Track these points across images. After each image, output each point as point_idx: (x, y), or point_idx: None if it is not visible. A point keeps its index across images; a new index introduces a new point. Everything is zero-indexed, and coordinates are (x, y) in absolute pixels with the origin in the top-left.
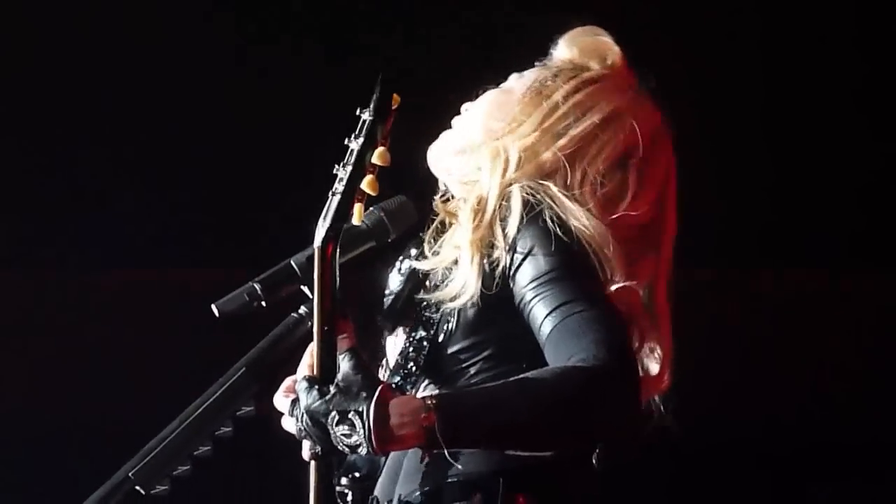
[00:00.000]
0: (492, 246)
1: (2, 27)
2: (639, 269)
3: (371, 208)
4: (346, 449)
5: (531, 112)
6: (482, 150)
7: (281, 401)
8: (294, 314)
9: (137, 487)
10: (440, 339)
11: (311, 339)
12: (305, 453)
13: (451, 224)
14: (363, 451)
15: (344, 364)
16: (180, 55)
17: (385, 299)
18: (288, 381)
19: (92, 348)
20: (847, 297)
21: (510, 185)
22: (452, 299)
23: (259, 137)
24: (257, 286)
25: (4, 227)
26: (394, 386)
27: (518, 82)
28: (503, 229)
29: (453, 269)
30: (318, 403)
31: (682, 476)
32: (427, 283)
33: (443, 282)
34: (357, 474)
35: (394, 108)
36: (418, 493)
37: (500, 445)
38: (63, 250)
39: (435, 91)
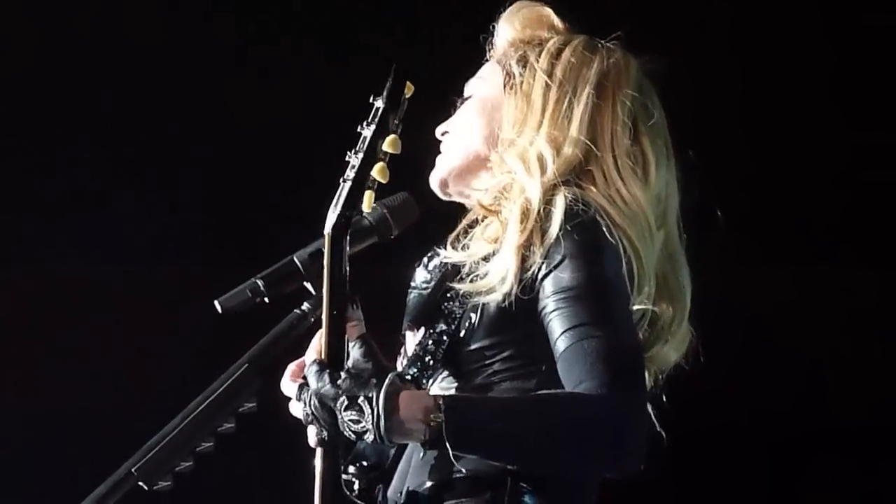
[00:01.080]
0: (529, 248)
1: (2, 27)
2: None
3: (374, 204)
4: (353, 435)
5: (525, 106)
6: (505, 156)
7: (288, 385)
8: (297, 310)
9: (140, 483)
10: (461, 334)
11: (317, 331)
12: (311, 439)
13: (481, 220)
14: (369, 437)
15: (354, 351)
16: (180, 55)
17: (410, 294)
18: (293, 366)
19: (94, 345)
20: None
21: (552, 185)
22: (487, 292)
23: (259, 137)
24: (260, 282)
25: (6, 225)
26: (409, 377)
27: (485, 84)
28: (542, 234)
29: (482, 264)
30: (328, 387)
31: (679, 462)
32: (458, 276)
33: (474, 275)
34: (365, 463)
35: (407, 96)
36: (427, 486)
37: (498, 458)
38: (63, 247)
39: (436, 91)
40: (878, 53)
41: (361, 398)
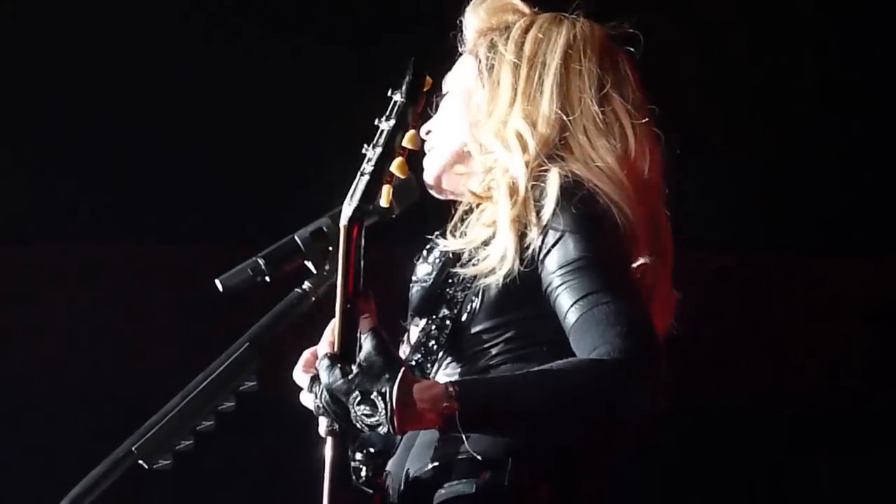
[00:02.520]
0: (525, 226)
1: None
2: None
3: None
4: (366, 428)
5: (497, 88)
6: (481, 137)
7: (300, 376)
8: (298, 289)
9: (140, 462)
10: (463, 318)
11: (318, 315)
12: (322, 429)
13: (476, 207)
14: (382, 430)
15: (366, 344)
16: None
17: (413, 288)
18: (307, 355)
19: (93, 324)
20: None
21: (538, 160)
22: (489, 273)
23: (270, 121)
24: (261, 261)
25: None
26: (414, 364)
27: (460, 77)
28: (537, 211)
29: (482, 249)
30: (339, 382)
31: (687, 445)
32: (459, 263)
33: (475, 259)
34: (372, 450)
35: (425, 90)
36: (428, 467)
37: (517, 435)
38: (63, 226)
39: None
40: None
41: (374, 393)
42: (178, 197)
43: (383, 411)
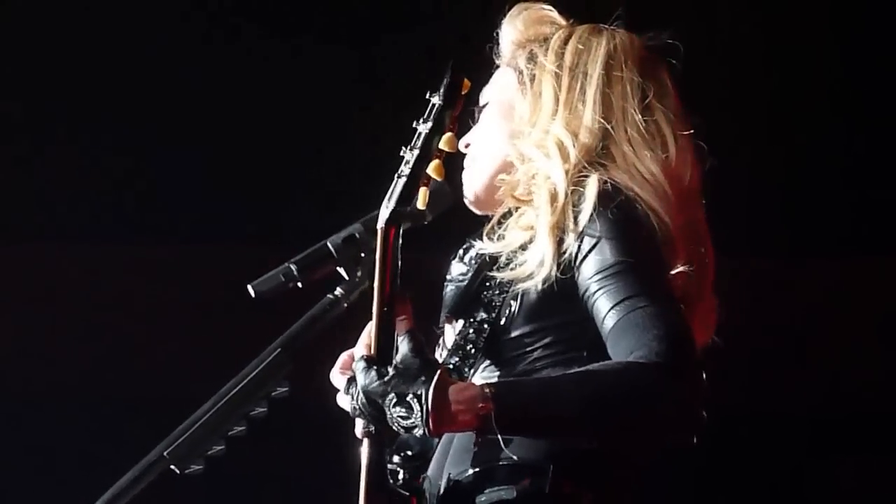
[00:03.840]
0: (563, 231)
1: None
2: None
3: None
4: (402, 430)
5: (538, 99)
6: (523, 147)
7: (337, 378)
8: (330, 295)
9: (172, 467)
10: (502, 322)
11: (350, 321)
12: (358, 431)
13: (515, 212)
14: (418, 432)
15: (402, 346)
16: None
17: (447, 287)
18: (344, 357)
19: (126, 329)
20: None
21: (578, 168)
22: (527, 278)
23: (267, 119)
24: (293, 267)
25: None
26: (451, 367)
27: (499, 88)
28: (575, 217)
29: (519, 253)
30: (375, 384)
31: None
32: (496, 266)
33: (513, 263)
34: (409, 452)
35: (463, 93)
36: (468, 473)
37: (554, 436)
38: (91, 228)
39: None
40: None
41: (410, 395)
42: (178, 197)
43: (419, 413)
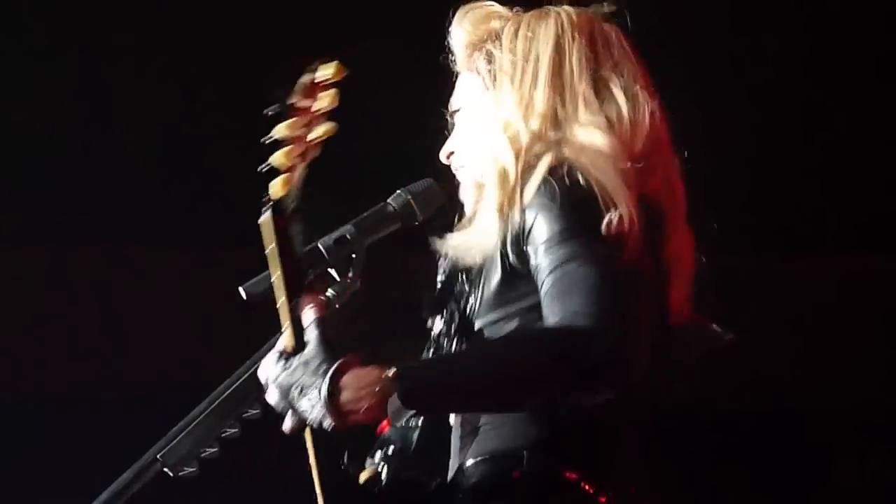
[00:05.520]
0: (511, 207)
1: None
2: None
3: (398, 191)
4: (315, 422)
5: (500, 97)
6: (489, 132)
7: (261, 372)
8: (321, 297)
9: (165, 469)
10: (467, 312)
11: (342, 323)
12: (286, 426)
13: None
14: (327, 424)
15: (309, 336)
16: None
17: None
18: (279, 344)
19: (119, 330)
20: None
21: (533, 151)
22: (471, 250)
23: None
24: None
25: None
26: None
27: (468, 96)
28: (522, 192)
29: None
30: (283, 376)
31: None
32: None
33: (462, 245)
34: (391, 449)
35: (325, 77)
36: (459, 467)
37: (463, 409)
38: (84, 230)
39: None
40: None
41: (311, 386)
42: (178, 197)
43: (319, 404)
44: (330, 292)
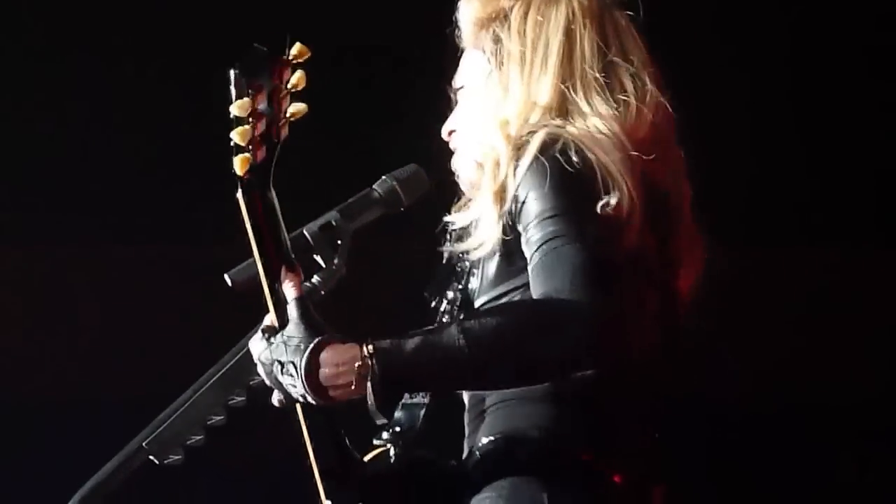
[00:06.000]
0: (506, 191)
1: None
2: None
3: (383, 177)
4: (299, 398)
5: (508, 82)
6: (488, 124)
7: (251, 346)
8: (307, 283)
9: (151, 457)
10: (468, 292)
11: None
12: (274, 399)
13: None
14: (311, 399)
15: (291, 314)
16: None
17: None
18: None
19: (103, 321)
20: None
21: (528, 128)
22: (478, 248)
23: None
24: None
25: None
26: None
27: (473, 75)
28: (515, 170)
29: (475, 224)
30: (265, 353)
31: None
32: (461, 238)
33: (466, 235)
34: (398, 428)
35: (290, 59)
36: (472, 447)
37: (445, 385)
38: (67, 227)
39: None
40: None
41: (291, 363)
42: (178, 195)
43: (299, 381)
44: (316, 279)
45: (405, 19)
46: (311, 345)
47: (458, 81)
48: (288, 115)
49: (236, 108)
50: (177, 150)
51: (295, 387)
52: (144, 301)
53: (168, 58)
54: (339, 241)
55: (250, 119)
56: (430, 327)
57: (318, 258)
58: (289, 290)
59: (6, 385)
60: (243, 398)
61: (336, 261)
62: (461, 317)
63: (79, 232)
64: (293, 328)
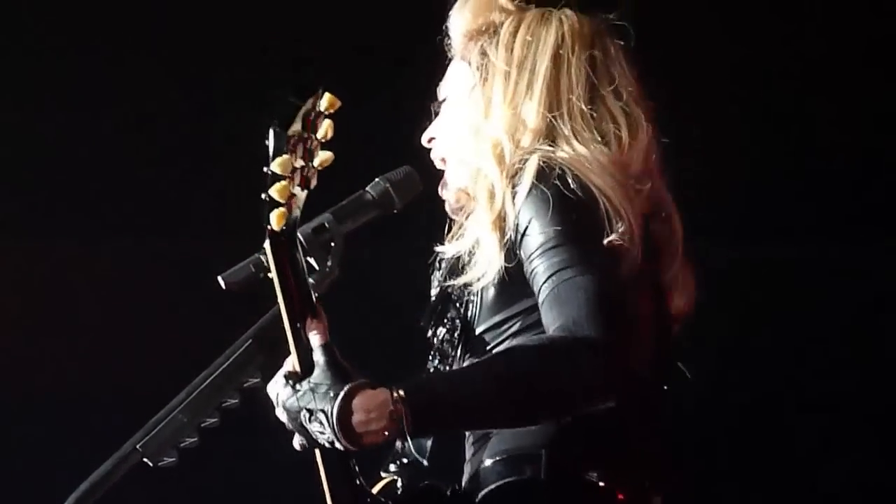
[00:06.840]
0: (504, 220)
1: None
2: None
3: (377, 179)
4: (326, 444)
5: (490, 99)
6: (470, 142)
7: (271, 390)
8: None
9: (145, 460)
10: (468, 319)
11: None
12: (296, 443)
13: (468, 208)
14: (339, 446)
15: (317, 360)
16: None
17: (431, 298)
18: (287, 366)
19: (98, 322)
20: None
21: (520, 157)
22: (479, 279)
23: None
24: (263, 258)
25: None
26: (433, 370)
27: (457, 86)
28: (514, 197)
29: (472, 254)
30: (291, 400)
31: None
32: (457, 267)
33: (469, 264)
34: (406, 460)
35: (322, 110)
36: (470, 474)
37: (474, 425)
38: (63, 223)
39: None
40: None
41: (320, 411)
42: (177, 193)
43: (328, 429)
44: (309, 281)
45: (405, 19)
46: (343, 392)
47: (442, 91)
48: (317, 164)
49: (278, 167)
50: (177, 147)
51: (324, 433)
52: (144, 301)
53: (168, 56)
54: (332, 244)
55: (289, 175)
56: (457, 369)
57: (311, 260)
58: (314, 336)
59: (7, 384)
60: (237, 400)
61: (329, 263)
62: (468, 346)
63: (78, 230)
64: (321, 374)
